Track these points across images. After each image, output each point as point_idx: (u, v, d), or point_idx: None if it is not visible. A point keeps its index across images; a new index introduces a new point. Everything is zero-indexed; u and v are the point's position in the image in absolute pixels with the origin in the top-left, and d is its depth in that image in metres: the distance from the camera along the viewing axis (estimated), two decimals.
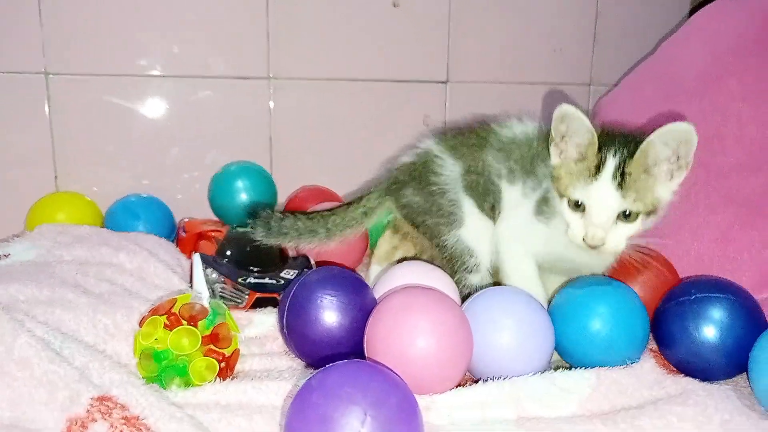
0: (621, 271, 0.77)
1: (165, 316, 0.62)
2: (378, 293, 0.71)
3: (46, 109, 1.04)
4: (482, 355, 0.65)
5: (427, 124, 1.26)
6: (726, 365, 0.68)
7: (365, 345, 0.64)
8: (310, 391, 0.46)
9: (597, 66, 1.34)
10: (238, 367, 0.68)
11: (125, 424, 0.52)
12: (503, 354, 0.65)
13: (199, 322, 0.62)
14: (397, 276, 0.73)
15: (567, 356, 0.71)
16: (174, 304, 0.64)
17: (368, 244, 1.01)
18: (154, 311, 0.64)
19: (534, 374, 0.63)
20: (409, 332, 0.60)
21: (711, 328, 0.67)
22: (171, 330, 0.61)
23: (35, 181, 1.05)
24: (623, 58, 1.31)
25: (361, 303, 0.67)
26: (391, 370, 0.50)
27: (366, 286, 0.71)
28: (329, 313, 0.66)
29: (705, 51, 0.97)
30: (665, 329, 0.73)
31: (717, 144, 0.88)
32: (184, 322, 0.61)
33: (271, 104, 1.14)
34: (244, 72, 1.12)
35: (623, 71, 1.24)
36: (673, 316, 0.72)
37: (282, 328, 0.70)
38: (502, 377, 0.63)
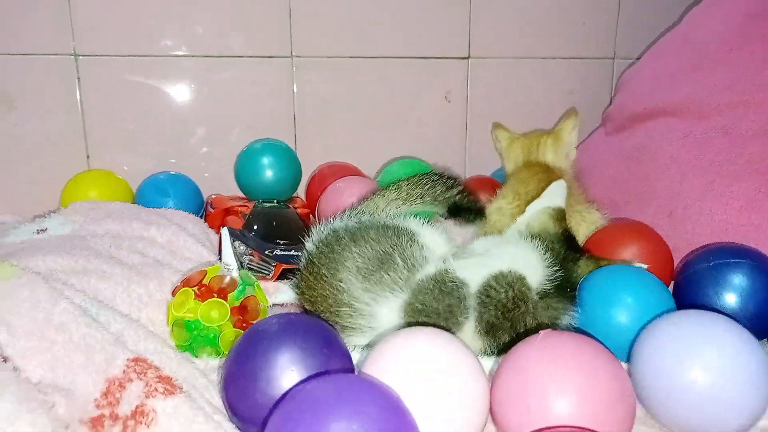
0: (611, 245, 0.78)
1: (196, 288, 0.65)
2: (374, 368, 0.53)
3: (77, 90, 1.07)
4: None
5: (449, 100, 1.26)
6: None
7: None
8: (292, 402, 0.43)
9: (621, 39, 1.33)
10: None
11: (159, 382, 0.55)
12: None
13: (229, 295, 0.64)
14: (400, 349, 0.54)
15: None
16: (204, 276, 0.66)
17: None
18: (185, 282, 0.66)
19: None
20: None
21: (731, 295, 0.68)
22: (202, 301, 0.64)
23: (68, 161, 1.08)
24: (647, 31, 1.28)
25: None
26: (383, 385, 0.47)
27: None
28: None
29: (728, 18, 0.96)
30: (685, 298, 0.73)
31: (741, 111, 0.87)
32: (214, 295, 0.64)
33: (294, 82, 1.16)
34: (267, 51, 1.13)
35: (647, 44, 1.22)
36: (692, 285, 0.73)
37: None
38: None
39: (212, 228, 0.99)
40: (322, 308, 0.68)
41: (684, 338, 0.54)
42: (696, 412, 0.52)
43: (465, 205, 0.85)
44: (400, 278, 0.65)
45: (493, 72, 1.27)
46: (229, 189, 1.13)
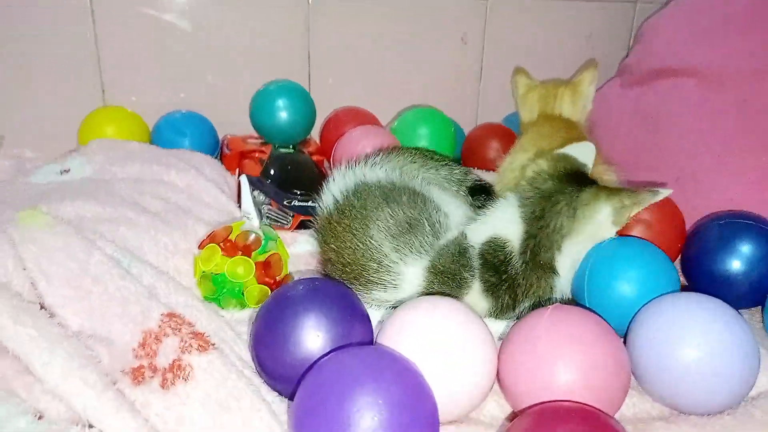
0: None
1: (222, 243, 0.68)
2: (387, 337, 0.57)
3: (91, 23, 1.05)
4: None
5: (465, 42, 1.25)
6: (747, 296, 0.72)
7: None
8: (319, 375, 0.47)
9: None
10: None
11: (194, 338, 0.59)
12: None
13: (253, 252, 0.67)
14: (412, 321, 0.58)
15: None
16: (230, 232, 0.69)
17: None
18: (212, 238, 0.69)
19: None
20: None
21: (736, 259, 0.71)
22: (228, 257, 0.67)
23: (84, 96, 1.08)
24: None
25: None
26: (403, 357, 0.50)
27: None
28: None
29: None
30: (693, 257, 0.77)
31: (761, 82, 0.87)
32: (239, 252, 0.67)
33: (310, 21, 1.14)
34: None
35: None
36: (701, 241, 0.76)
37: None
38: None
39: (228, 170, 1.02)
40: (349, 260, 0.70)
41: (676, 318, 0.58)
42: (685, 387, 0.57)
43: (483, 188, 0.87)
44: (426, 242, 0.69)
45: (511, 14, 1.24)
46: (244, 128, 1.14)
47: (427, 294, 0.67)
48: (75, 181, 0.85)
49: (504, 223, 0.70)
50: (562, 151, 0.73)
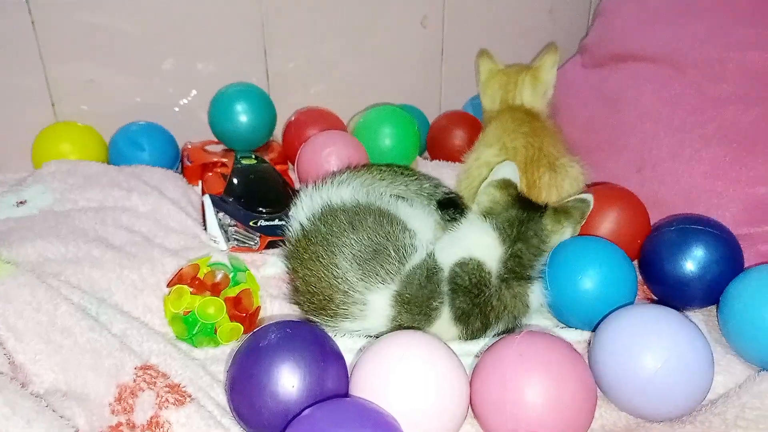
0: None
1: (190, 282, 0.68)
2: (359, 381, 0.59)
3: (34, 35, 1.00)
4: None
5: (425, 26, 1.22)
6: (702, 297, 0.76)
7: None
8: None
9: None
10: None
11: (169, 392, 0.60)
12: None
13: (222, 291, 0.67)
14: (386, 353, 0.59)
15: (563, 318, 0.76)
16: (198, 271, 0.69)
17: None
18: (179, 278, 0.69)
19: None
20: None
21: (690, 261, 0.73)
22: (198, 295, 0.67)
23: (34, 111, 1.04)
24: None
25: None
26: (378, 409, 0.51)
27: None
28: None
29: None
30: (650, 261, 0.79)
31: (718, 69, 0.88)
32: (207, 293, 0.67)
33: (263, 15, 1.10)
34: None
35: None
36: (656, 247, 0.79)
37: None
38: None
39: (191, 183, 1.00)
40: (315, 289, 0.70)
41: (636, 330, 0.61)
42: (647, 396, 0.60)
43: (453, 202, 0.87)
44: (391, 270, 0.68)
45: None
46: (202, 131, 1.11)
47: (396, 322, 0.68)
48: (34, 217, 0.83)
49: (479, 244, 0.71)
50: (500, 177, 0.77)
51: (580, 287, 0.72)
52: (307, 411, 0.51)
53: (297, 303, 0.74)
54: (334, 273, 0.69)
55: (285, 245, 0.78)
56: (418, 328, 0.67)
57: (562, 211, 0.75)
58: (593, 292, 0.71)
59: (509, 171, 0.78)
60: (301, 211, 0.76)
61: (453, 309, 0.69)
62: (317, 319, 0.71)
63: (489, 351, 0.61)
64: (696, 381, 0.60)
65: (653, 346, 0.59)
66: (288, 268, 0.76)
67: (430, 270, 0.69)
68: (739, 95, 0.84)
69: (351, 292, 0.68)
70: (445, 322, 0.69)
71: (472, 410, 0.61)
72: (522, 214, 0.73)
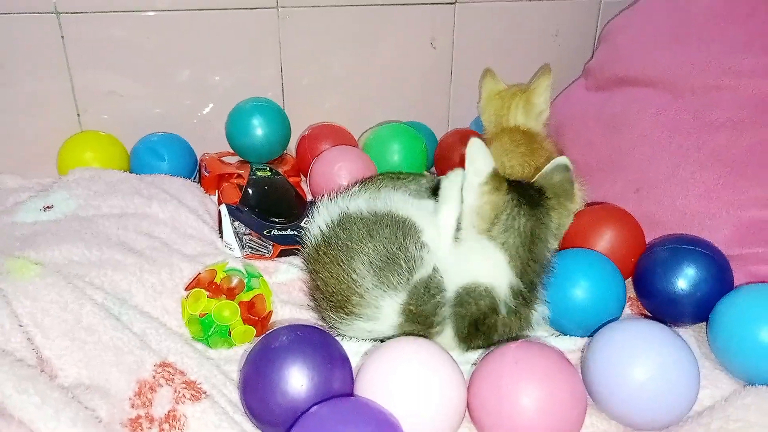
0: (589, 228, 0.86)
1: (207, 287, 0.72)
2: (363, 382, 0.62)
3: (63, 48, 1.06)
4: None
5: (435, 46, 1.27)
6: (692, 314, 0.79)
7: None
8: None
9: None
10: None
11: (186, 388, 0.64)
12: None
13: (237, 296, 0.72)
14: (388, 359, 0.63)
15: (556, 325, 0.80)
16: (215, 276, 0.73)
17: None
18: (197, 282, 0.73)
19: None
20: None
21: (681, 279, 0.77)
22: (214, 298, 0.71)
23: (60, 121, 1.10)
24: None
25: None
26: (380, 408, 0.56)
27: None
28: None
29: None
30: (643, 278, 0.83)
31: (714, 96, 0.92)
32: (223, 297, 0.71)
33: (280, 33, 1.15)
34: (251, 2, 1.12)
35: None
36: (649, 265, 0.82)
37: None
38: None
39: (207, 192, 1.05)
40: (334, 289, 0.74)
41: (627, 343, 0.65)
42: (636, 405, 0.63)
43: None
44: (401, 280, 0.72)
45: (479, 17, 1.26)
46: (220, 143, 1.16)
47: (402, 329, 0.72)
48: (60, 221, 0.88)
49: (486, 268, 0.73)
50: (484, 172, 0.74)
51: (573, 296, 0.76)
52: (313, 408, 0.55)
53: (315, 301, 0.78)
54: (353, 277, 0.73)
55: (304, 250, 0.82)
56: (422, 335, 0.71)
57: (557, 195, 0.77)
58: (585, 301, 0.76)
59: (481, 153, 0.74)
60: (320, 218, 0.80)
61: (456, 330, 0.72)
62: (334, 316, 0.74)
63: (486, 358, 0.65)
64: (682, 392, 0.63)
65: (643, 358, 0.63)
66: (308, 269, 0.80)
67: (433, 288, 0.72)
68: (734, 121, 0.88)
69: (366, 296, 0.72)
70: (447, 338, 0.73)
71: (469, 414, 0.64)
72: (528, 221, 0.73)
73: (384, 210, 0.78)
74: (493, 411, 0.61)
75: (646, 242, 0.87)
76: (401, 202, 0.80)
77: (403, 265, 0.72)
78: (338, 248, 0.75)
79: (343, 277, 0.73)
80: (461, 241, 0.74)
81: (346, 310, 0.73)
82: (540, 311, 0.75)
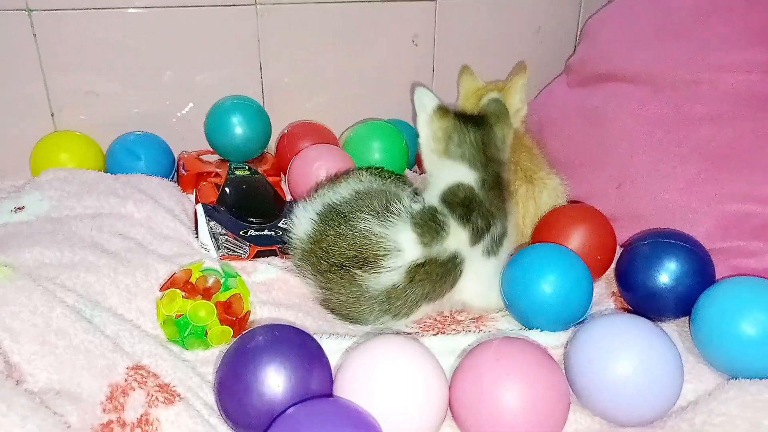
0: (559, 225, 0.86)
1: (182, 286, 0.70)
2: (345, 373, 0.61)
3: (35, 47, 1.03)
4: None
5: (417, 44, 1.26)
6: (675, 308, 0.79)
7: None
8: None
9: None
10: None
11: (159, 391, 0.62)
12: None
13: (213, 295, 0.70)
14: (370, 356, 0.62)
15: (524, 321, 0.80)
16: (190, 275, 0.71)
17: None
18: (172, 282, 0.71)
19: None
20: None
21: (663, 273, 0.76)
22: (190, 298, 0.70)
23: (33, 121, 1.07)
24: None
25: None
26: (359, 409, 0.55)
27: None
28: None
29: None
30: (625, 272, 0.82)
31: (694, 90, 0.92)
32: (199, 297, 0.69)
33: (259, 30, 1.14)
34: None
35: None
36: (630, 260, 0.82)
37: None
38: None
39: (185, 191, 1.03)
40: (350, 254, 0.76)
41: (609, 338, 0.64)
42: (620, 401, 0.62)
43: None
44: (402, 210, 0.78)
45: (460, 14, 1.26)
46: (199, 142, 1.14)
47: (425, 244, 0.76)
48: (32, 222, 0.86)
49: (456, 175, 0.82)
50: (430, 106, 0.86)
51: (541, 291, 0.76)
52: (289, 410, 0.54)
53: (329, 293, 0.79)
54: (364, 235, 0.76)
55: (292, 251, 0.83)
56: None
57: (495, 116, 0.87)
58: (553, 296, 0.76)
59: (426, 94, 0.86)
60: (305, 216, 0.81)
61: (455, 217, 0.78)
62: (359, 272, 0.76)
63: (467, 355, 0.64)
64: (666, 387, 0.62)
65: (625, 353, 0.62)
66: (312, 267, 0.80)
67: (425, 205, 0.80)
68: (714, 115, 0.88)
69: (383, 242, 0.75)
70: (455, 228, 0.78)
71: (451, 412, 0.63)
72: (476, 134, 0.84)
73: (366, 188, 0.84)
74: (474, 409, 0.60)
75: (628, 237, 0.86)
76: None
77: (399, 203, 0.79)
78: (337, 223, 0.78)
79: (352, 241, 0.76)
80: (429, 172, 0.86)
81: (371, 263, 0.75)
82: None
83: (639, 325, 0.64)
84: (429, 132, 0.85)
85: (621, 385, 0.62)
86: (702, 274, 0.77)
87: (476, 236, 0.79)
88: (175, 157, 1.11)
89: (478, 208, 0.80)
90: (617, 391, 0.62)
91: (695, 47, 0.94)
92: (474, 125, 0.85)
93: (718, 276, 0.79)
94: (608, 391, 0.63)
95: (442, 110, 0.85)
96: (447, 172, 0.83)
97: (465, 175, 0.82)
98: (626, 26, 1.08)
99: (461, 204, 0.79)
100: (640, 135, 0.95)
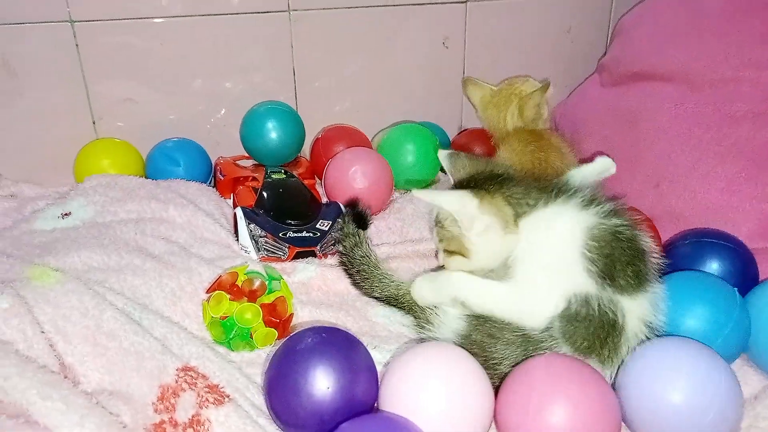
0: None
1: (228, 289, 0.72)
2: (391, 381, 0.62)
3: (78, 56, 1.06)
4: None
5: (447, 46, 1.26)
6: None
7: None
8: None
9: None
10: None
11: (209, 392, 0.63)
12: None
13: (258, 298, 0.71)
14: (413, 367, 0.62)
15: None
16: (236, 278, 0.73)
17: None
18: (219, 284, 0.73)
19: None
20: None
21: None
22: (236, 301, 0.71)
23: (76, 128, 1.10)
24: None
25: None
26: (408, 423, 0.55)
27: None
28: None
29: None
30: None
31: (733, 88, 0.91)
32: (245, 299, 0.71)
33: (292, 37, 1.15)
34: (263, 6, 1.12)
35: None
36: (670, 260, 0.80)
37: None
38: None
39: (223, 196, 1.05)
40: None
41: (662, 364, 0.61)
42: (672, 429, 0.59)
43: None
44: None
45: (491, 16, 1.25)
46: (234, 147, 1.16)
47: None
48: (78, 227, 0.88)
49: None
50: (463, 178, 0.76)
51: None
52: (341, 426, 0.54)
53: None
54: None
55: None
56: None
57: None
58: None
59: (459, 199, 0.71)
60: None
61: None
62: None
63: (517, 368, 0.63)
64: (723, 413, 0.58)
65: (680, 378, 0.59)
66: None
67: None
68: (754, 113, 0.87)
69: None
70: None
71: (495, 425, 0.63)
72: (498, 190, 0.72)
73: None
74: (522, 422, 0.59)
75: (668, 237, 0.86)
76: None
77: None
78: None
79: None
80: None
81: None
82: None
83: (692, 349, 0.61)
84: (487, 221, 0.70)
85: (674, 412, 0.59)
86: (745, 274, 0.76)
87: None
88: (212, 163, 1.13)
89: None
90: (670, 418, 0.59)
91: (733, 44, 0.93)
92: (489, 182, 0.73)
93: (761, 276, 0.78)
94: (660, 419, 0.60)
95: (480, 194, 0.71)
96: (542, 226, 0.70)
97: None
98: (660, 24, 1.07)
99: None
100: (678, 134, 0.94)
